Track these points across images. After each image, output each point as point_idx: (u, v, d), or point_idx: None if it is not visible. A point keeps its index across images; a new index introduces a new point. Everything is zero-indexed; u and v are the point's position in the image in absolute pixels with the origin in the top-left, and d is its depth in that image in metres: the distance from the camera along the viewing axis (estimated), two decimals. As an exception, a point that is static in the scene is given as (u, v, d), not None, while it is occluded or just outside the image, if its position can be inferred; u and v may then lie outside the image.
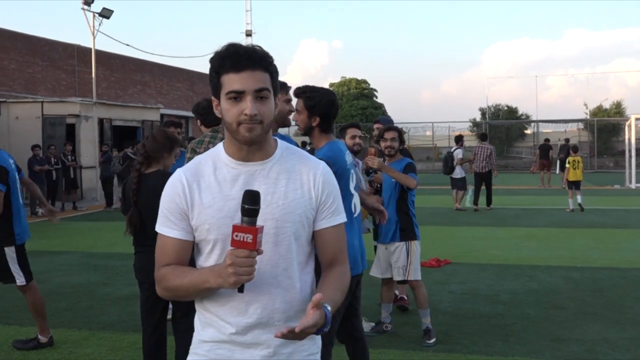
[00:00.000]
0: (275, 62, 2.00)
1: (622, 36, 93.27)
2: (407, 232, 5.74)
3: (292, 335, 1.77)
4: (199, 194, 1.97)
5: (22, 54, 24.47)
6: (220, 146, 2.04)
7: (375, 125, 6.54)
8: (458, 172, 16.78)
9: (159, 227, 2.02)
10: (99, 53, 24.44)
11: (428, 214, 15.85)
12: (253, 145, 1.95)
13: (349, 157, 3.80)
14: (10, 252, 5.34)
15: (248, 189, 1.83)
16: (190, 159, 3.92)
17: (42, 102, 20.80)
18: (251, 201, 1.79)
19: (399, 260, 5.70)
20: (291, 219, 1.96)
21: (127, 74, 30.58)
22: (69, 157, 18.53)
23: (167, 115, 28.33)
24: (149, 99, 31.01)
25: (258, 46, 1.95)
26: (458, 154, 16.80)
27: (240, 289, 1.85)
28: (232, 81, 1.89)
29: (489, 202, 17.03)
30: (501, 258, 9.62)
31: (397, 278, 5.75)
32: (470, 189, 18.75)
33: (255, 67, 1.90)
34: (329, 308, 1.85)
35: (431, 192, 23.23)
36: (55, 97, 23.42)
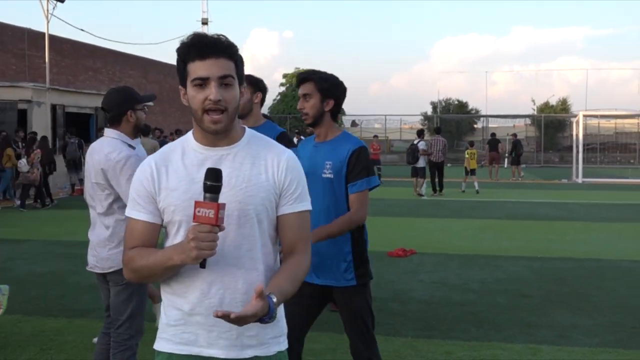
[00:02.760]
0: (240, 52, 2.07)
1: (566, 34, 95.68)
2: None
3: (227, 319, 1.82)
4: (167, 177, 2.05)
5: (-31, 36, 23.68)
6: (189, 133, 2.12)
7: None
8: (421, 162, 18.64)
9: (128, 211, 2.10)
10: (50, 37, 23.82)
11: (387, 205, 16.10)
12: (219, 134, 2.03)
13: None
14: None
15: (210, 167, 1.92)
16: None
17: (-8, 87, 20.21)
18: (213, 178, 1.86)
19: None
20: (254, 202, 2.02)
21: (78, 59, 29.87)
22: (20, 143, 18.06)
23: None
24: (101, 86, 30.37)
25: (223, 35, 2.02)
26: (421, 145, 18.51)
27: (202, 265, 1.91)
28: (197, 68, 1.97)
29: (441, 188, 19.31)
30: (465, 248, 9.88)
31: None
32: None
33: (220, 54, 1.97)
34: (274, 299, 1.90)
35: (388, 184, 23.53)
36: (5, 82, 22.76)
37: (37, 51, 25.87)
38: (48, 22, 22.21)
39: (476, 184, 20.03)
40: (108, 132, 3.93)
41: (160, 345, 2.10)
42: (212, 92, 1.95)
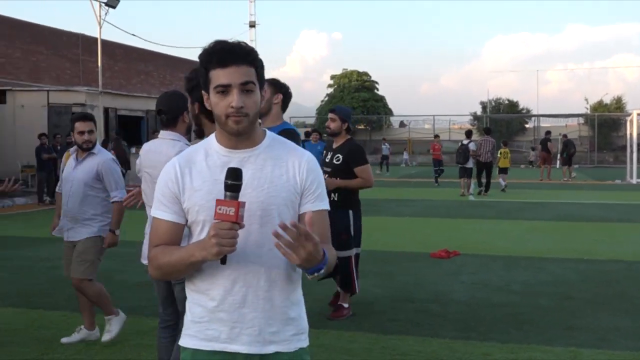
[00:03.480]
0: (260, 56, 2.14)
1: (621, 32, 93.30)
2: None
3: (290, 233, 1.88)
4: (190, 178, 2.12)
5: (27, 42, 24.53)
6: (212, 136, 2.20)
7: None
8: (469, 163, 18.91)
9: (154, 211, 2.18)
10: (103, 42, 24.47)
11: (432, 207, 16.04)
12: (241, 136, 2.11)
13: None
14: None
15: (231, 166, 1.99)
16: None
17: (47, 90, 20.90)
18: (233, 177, 1.94)
19: None
20: (276, 202, 2.09)
21: (130, 63, 30.62)
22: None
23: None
24: (152, 89, 31.06)
25: (243, 42, 2.10)
26: (471, 146, 18.83)
27: (223, 261, 1.98)
28: (219, 76, 2.05)
29: (487, 189, 19.51)
30: (509, 250, 9.77)
31: None
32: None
33: (241, 62, 2.05)
34: (327, 255, 2.00)
35: (432, 185, 23.38)
36: (60, 86, 23.48)
37: (90, 56, 26.64)
38: (101, 27, 22.82)
39: (502, 182, 20.33)
40: (165, 134, 4.08)
41: (184, 341, 2.18)
42: (234, 99, 2.03)
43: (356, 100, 52.20)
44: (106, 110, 22.19)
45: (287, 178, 2.13)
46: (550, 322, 5.95)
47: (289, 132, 4.20)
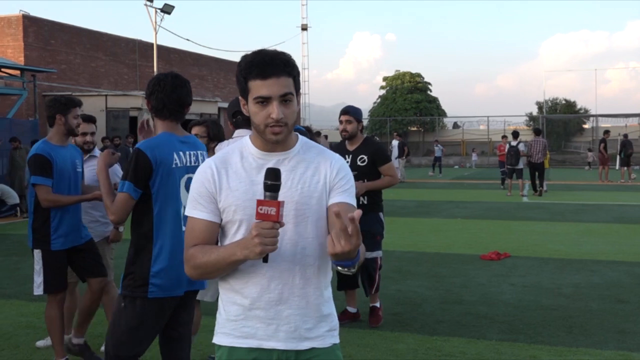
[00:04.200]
0: (296, 66, 2.20)
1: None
2: None
3: (340, 223, 1.87)
4: (227, 178, 2.18)
5: (87, 49, 25.30)
6: (247, 138, 2.26)
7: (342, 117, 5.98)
8: (520, 164, 19.04)
9: (189, 211, 2.22)
10: (159, 48, 25.04)
11: (485, 209, 15.85)
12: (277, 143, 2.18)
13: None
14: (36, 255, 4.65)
15: (270, 167, 2.03)
16: None
17: (106, 95, 21.50)
18: (273, 177, 1.99)
19: None
20: (309, 202, 2.15)
21: (185, 68, 31.22)
22: (130, 149, 19.14)
23: (225, 108, 28.76)
24: (207, 93, 31.60)
25: (282, 52, 2.15)
26: (521, 146, 19.01)
27: (265, 259, 2.02)
28: (259, 87, 2.10)
29: (539, 189, 19.24)
30: (562, 252, 9.60)
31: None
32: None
33: (280, 73, 2.10)
34: (360, 250, 2.01)
35: (487, 187, 23.11)
36: (118, 91, 24.13)
37: (147, 61, 27.29)
38: (156, 33, 23.36)
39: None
40: (241, 132, 4.31)
41: (219, 339, 2.24)
42: (274, 111, 2.09)
43: (409, 101, 51.91)
44: (162, 114, 22.69)
45: (319, 179, 2.19)
46: (601, 325, 5.84)
47: (298, 132, 4.30)
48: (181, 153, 3.40)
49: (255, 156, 2.21)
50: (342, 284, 5.96)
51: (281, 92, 2.09)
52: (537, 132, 20.34)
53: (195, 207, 2.21)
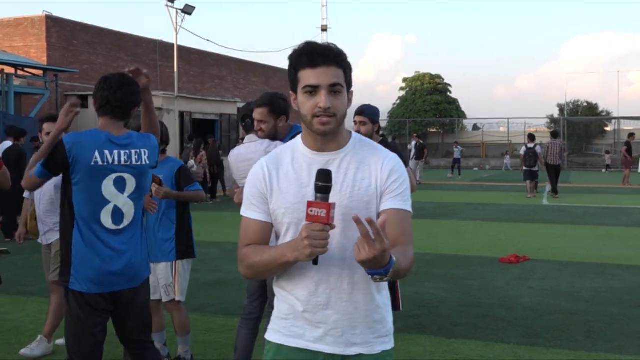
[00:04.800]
0: (349, 59, 2.15)
1: None
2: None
3: (362, 229, 1.81)
4: (277, 180, 2.16)
5: (108, 49, 25.50)
6: (298, 138, 2.23)
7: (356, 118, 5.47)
8: (537, 166, 19.30)
9: (243, 211, 2.23)
10: (179, 48, 25.19)
11: (504, 211, 15.76)
12: (327, 137, 2.12)
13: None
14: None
15: (321, 168, 2.00)
16: None
17: (127, 95, 21.63)
18: (324, 179, 1.96)
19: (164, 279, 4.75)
20: (358, 207, 2.09)
21: (205, 68, 31.37)
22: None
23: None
24: (226, 93, 31.72)
25: (333, 44, 2.13)
26: (538, 149, 19.25)
27: (315, 262, 2.00)
28: (308, 76, 2.07)
29: (556, 191, 19.47)
30: (581, 256, 9.52)
31: (165, 298, 4.79)
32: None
33: (330, 63, 2.07)
34: (394, 258, 1.91)
35: (506, 189, 22.97)
36: (139, 91, 24.29)
37: (167, 62, 27.47)
38: (177, 33, 23.53)
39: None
40: (252, 137, 4.34)
41: (270, 335, 2.25)
42: (322, 99, 2.05)
43: (428, 103, 51.70)
44: (181, 114, 22.81)
45: (370, 182, 2.14)
46: (621, 330, 5.78)
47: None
48: (106, 152, 3.30)
49: (305, 156, 2.17)
50: None
51: (330, 81, 2.06)
52: (554, 135, 20.72)
53: (249, 207, 2.21)
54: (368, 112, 5.37)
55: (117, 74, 3.50)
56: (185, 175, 4.73)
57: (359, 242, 1.84)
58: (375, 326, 2.16)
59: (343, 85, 2.09)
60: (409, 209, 2.17)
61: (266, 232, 2.19)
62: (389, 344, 2.21)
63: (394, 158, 2.19)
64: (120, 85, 3.42)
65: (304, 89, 2.08)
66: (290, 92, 2.18)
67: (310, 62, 2.06)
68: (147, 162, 3.46)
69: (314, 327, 2.13)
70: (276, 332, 2.22)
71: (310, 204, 1.93)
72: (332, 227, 1.94)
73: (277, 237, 2.21)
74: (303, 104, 2.09)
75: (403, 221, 2.14)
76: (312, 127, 2.10)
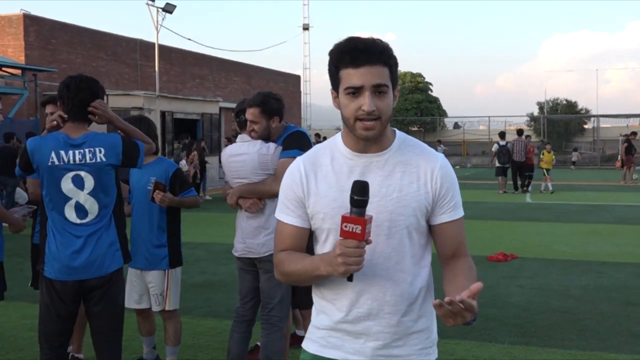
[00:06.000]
0: (394, 53, 1.98)
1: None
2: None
3: (455, 308, 1.74)
4: (316, 183, 2.02)
5: (88, 48, 25.24)
6: (338, 136, 2.08)
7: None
8: (509, 163, 20.26)
9: (278, 214, 2.11)
10: (160, 47, 24.97)
11: (487, 209, 15.80)
12: (369, 140, 1.98)
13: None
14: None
15: (357, 180, 1.85)
16: None
17: (107, 95, 21.39)
18: (360, 192, 1.81)
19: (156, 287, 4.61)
20: (405, 213, 1.97)
21: (186, 67, 31.16)
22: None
23: (226, 108, 28.69)
24: (207, 93, 31.53)
25: (378, 39, 1.95)
26: (508, 147, 20.25)
27: (350, 278, 1.89)
28: (350, 76, 1.90)
29: (519, 187, 20.51)
30: (568, 254, 9.54)
31: (155, 308, 4.66)
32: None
33: (374, 61, 1.90)
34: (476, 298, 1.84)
35: (488, 187, 23.05)
36: (119, 90, 24.06)
37: (148, 61, 27.23)
38: (158, 32, 23.30)
39: (549, 185, 20.50)
40: (244, 136, 4.25)
41: (306, 344, 2.14)
42: (366, 102, 1.90)
43: (410, 101, 51.83)
44: (163, 114, 22.61)
45: (418, 186, 2.00)
46: (613, 328, 5.77)
47: (300, 135, 4.16)
48: (62, 152, 3.45)
49: (345, 157, 2.03)
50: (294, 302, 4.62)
51: (374, 81, 1.89)
52: (518, 132, 21.22)
53: (283, 210, 2.09)
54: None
55: (76, 78, 3.59)
56: (182, 180, 4.65)
57: (445, 313, 1.77)
58: (419, 337, 2.06)
59: (388, 85, 1.93)
60: (462, 212, 2.09)
61: (301, 237, 2.07)
62: (433, 355, 2.11)
63: (444, 164, 2.05)
64: (77, 90, 3.53)
65: (345, 90, 1.92)
66: (331, 90, 2.01)
67: (352, 61, 1.89)
68: (103, 159, 3.51)
69: (354, 338, 2.03)
70: (313, 342, 2.11)
71: (344, 219, 1.81)
72: (369, 242, 1.83)
73: (318, 242, 2.08)
74: (345, 105, 1.94)
75: (459, 231, 2.08)
76: (355, 132, 1.95)
